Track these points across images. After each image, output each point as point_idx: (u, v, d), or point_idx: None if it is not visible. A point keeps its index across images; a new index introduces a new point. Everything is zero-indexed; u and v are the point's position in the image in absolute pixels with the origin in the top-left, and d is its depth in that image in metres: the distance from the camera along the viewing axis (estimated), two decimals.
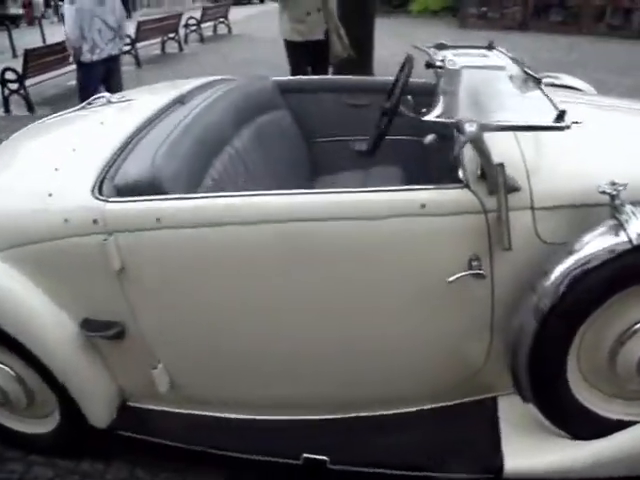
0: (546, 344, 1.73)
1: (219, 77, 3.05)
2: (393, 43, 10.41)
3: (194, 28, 16.24)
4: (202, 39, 16.36)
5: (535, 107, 1.83)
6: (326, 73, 5.33)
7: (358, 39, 5.73)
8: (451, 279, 1.72)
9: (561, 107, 1.70)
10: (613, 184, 1.67)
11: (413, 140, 2.78)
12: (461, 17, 17.39)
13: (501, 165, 1.70)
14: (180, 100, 2.56)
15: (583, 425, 1.86)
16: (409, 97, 2.50)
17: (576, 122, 1.67)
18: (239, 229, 1.77)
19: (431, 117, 1.71)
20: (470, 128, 1.60)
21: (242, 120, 2.57)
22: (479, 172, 1.77)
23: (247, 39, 16.67)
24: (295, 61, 5.32)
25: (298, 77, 3.46)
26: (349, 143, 3.14)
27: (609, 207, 1.68)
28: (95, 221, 1.81)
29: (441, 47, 2.53)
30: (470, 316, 1.88)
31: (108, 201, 1.84)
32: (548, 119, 1.68)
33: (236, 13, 20.66)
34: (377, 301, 1.86)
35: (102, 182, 1.93)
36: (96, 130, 2.40)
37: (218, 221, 1.77)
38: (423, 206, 1.74)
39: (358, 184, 2.82)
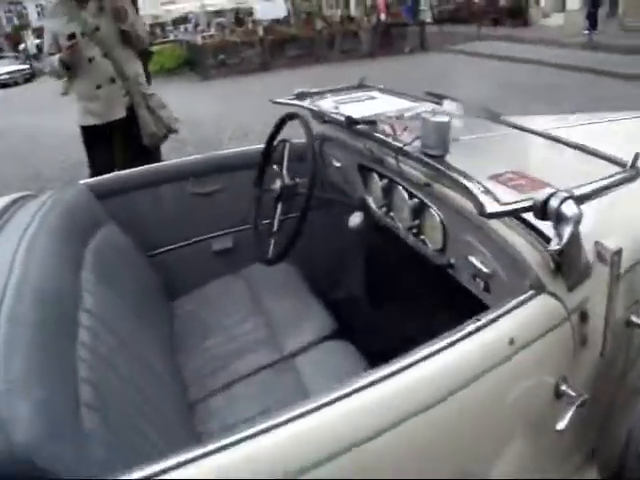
0: None
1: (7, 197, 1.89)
2: None
3: None
4: None
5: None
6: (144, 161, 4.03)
7: None
8: (560, 427, 1.24)
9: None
10: None
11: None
12: (201, 69, 17.27)
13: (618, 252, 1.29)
14: None
15: None
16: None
17: None
18: None
19: (493, 208, 1.25)
20: (571, 208, 1.17)
21: (76, 260, 1.64)
22: (553, 264, 1.31)
23: None
24: (95, 153, 3.90)
25: (115, 174, 2.44)
26: (207, 244, 2.52)
27: None
28: None
29: (303, 96, 2.40)
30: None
31: None
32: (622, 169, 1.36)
33: None
34: None
35: None
36: None
37: None
38: (512, 342, 1.20)
39: (244, 305, 2.22)
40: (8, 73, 30.76)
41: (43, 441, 0.94)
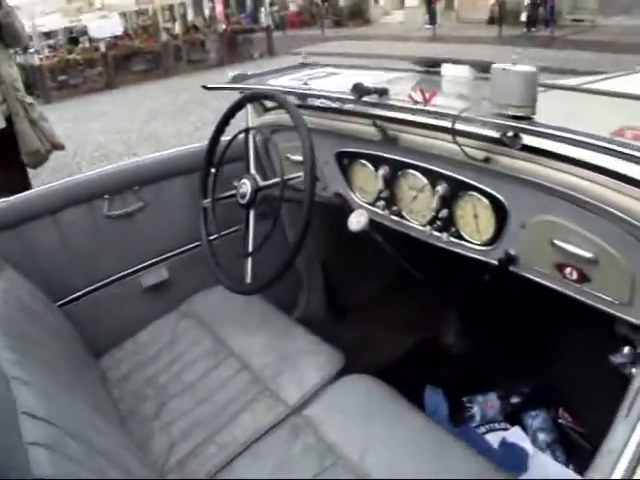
0: None
1: None
2: None
3: None
4: None
5: None
6: (23, 180, 3.36)
7: None
8: None
9: None
10: None
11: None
12: (42, 92, 16.06)
13: None
14: None
15: None
16: None
17: None
18: None
19: None
20: None
21: None
22: None
23: None
24: None
25: (3, 201, 1.80)
26: (135, 280, 2.02)
27: None
28: None
29: (242, 78, 2.03)
30: None
31: None
32: None
33: None
34: None
35: None
36: None
37: None
38: None
39: (204, 348, 1.78)
40: None
41: None
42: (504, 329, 2.07)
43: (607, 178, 1.09)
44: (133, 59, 16.77)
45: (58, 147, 3.45)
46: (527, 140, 1.21)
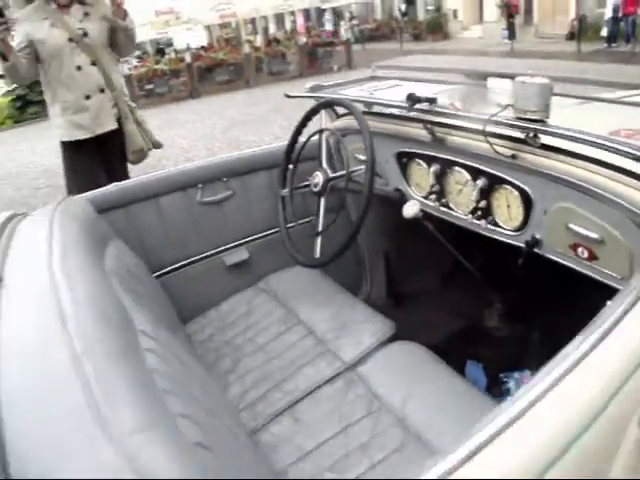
0: None
1: (5, 213, 1.66)
2: None
3: None
4: None
5: None
6: (126, 176, 3.62)
7: None
8: None
9: None
10: None
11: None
12: (130, 99, 16.85)
13: None
14: None
15: None
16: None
17: None
18: None
19: None
20: None
21: (106, 279, 1.45)
22: None
23: None
24: (78, 170, 3.47)
25: (114, 185, 2.14)
26: (219, 258, 2.30)
27: None
28: None
29: (318, 88, 2.32)
30: None
31: None
32: None
33: None
34: None
35: None
36: None
37: None
38: None
39: (277, 317, 2.03)
40: None
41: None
42: (542, 313, 2.25)
43: (608, 170, 1.34)
44: (216, 70, 17.34)
45: (157, 146, 3.75)
46: (545, 139, 1.47)
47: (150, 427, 0.80)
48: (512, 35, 17.97)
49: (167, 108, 14.94)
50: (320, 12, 30.91)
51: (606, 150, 1.29)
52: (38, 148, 12.05)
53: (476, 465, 0.76)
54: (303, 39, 19.66)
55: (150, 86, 16.89)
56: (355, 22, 27.43)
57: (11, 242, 1.45)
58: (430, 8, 24.91)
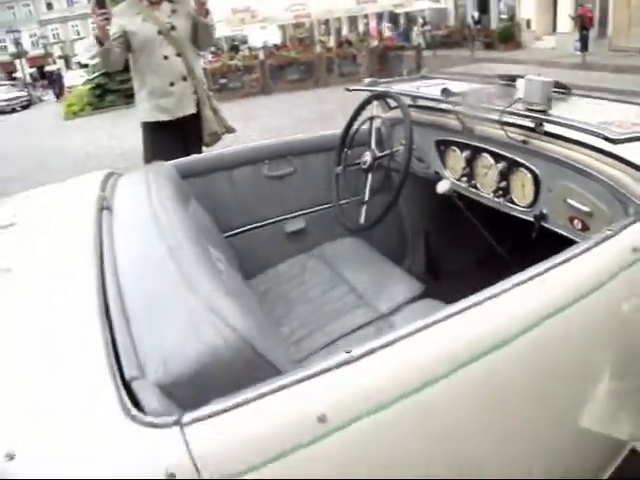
0: None
1: (105, 171, 2.19)
2: None
3: None
4: None
5: None
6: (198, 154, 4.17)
7: None
8: None
9: None
10: None
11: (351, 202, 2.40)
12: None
13: None
14: (104, 207, 1.78)
15: None
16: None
17: None
18: None
19: (619, 135, 1.56)
20: None
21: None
22: None
23: None
24: (158, 149, 3.76)
25: (194, 156, 2.64)
26: (279, 225, 2.66)
27: None
28: None
29: (374, 83, 2.61)
30: None
31: None
32: None
33: None
34: None
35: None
36: None
37: None
38: (636, 250, 1.39)
39: (325, 278, 2.34)
40: (6, 100, 31.02)
41: (257, 334, 1.13)
42: None
43: (597, 154, 1.64)
44: (288, 68, 17.86)
45: (230, 131, 4.18)
46: (547, 127, 1.79)
47: (225, 294, 1.20)
48: (585, 47, 17.76)
49: (239, 103, 15.45)
50: (393, 16, 31.12)
51: (591, 135, 1.60)
52: (115, 133, 12.82)
53: None
54: (375, 42, 19.96)
55: (224, 80, 17.47)
56: (427, 28, 27.50)
57: (115, 189, 1.92)
58: (503, 17, 24.72)
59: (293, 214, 2.69)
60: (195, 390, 1.04)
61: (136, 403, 0.99)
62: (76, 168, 7.72)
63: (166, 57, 3.71)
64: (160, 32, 3.66)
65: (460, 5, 29.02)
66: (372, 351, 1.11)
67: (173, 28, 3.69)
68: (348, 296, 2.18)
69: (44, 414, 1.00)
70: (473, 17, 25.78)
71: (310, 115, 12.00)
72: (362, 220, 2.26)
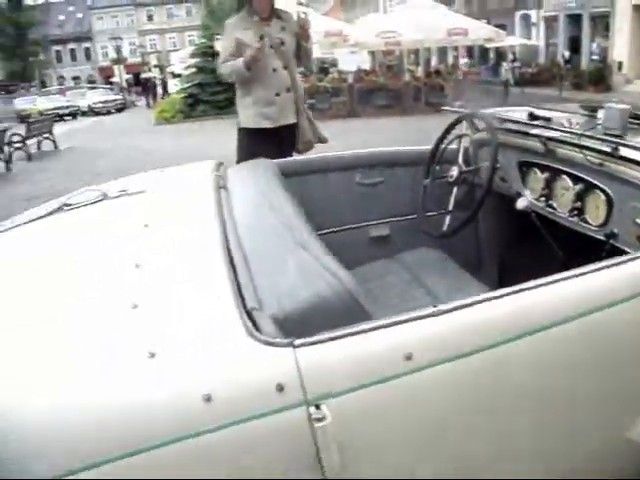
0: None
1: (216, 160, 2.57)
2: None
3: (19, 145, 14.68)
4: (29, 157, 14.92)
5: None
6: None
7: None
8: None
9: None
10: None
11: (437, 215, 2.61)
12: None
13: None
14: (221, 185, 2.22)
15: None
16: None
17: None
18: None
19: None
20: None
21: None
22: None
23: (82, 152, 15.74)
24: (254, 154, 3.72)
25: (294, 159, 2.98)
26: (365, 230, 2.89)
27: None
28: None
29: (466, 106, 2.76)
30: None
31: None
32: None
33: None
34: None
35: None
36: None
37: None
38: None
39: (405, 280, 2.51)
40: (103, 102, 33.80)
41: (356, 287, 1.44)
42: None
43: None
44: (375, 94, 18.12)
45: (323, 141, 4.54)
46: (623, 152, 1.91)
47: (331, 255, 1.55)
48: None
49: (327, 124, 15.73)
50: (483, 50, 31.17)
51: None
52: (203, 141, 13.49)
53: None
54: (461, 75, 20.02)
55: (312, 101, 17.79)
56: (517, 64, 27.36)
57: (227, 174, 2.32)
58: (594, 58, 24.46)
59: (378, 221, 2.88)
60: (302, 325, 1.33)
61: (256, 328, 1.30)
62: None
63: (275, 69, 4.08)
64: (271, 46, 4.02)
65: (551, 43, 28.84)
66: (455, 308, 1.38)
67: (282, 43, 4.07)
68: (425, 298, 2.32)
69: (183, 327, 1.34)
70: (564, 56, 25.54)
71: (397, 142, 12.23)
72: (445, 227, 2.46)
